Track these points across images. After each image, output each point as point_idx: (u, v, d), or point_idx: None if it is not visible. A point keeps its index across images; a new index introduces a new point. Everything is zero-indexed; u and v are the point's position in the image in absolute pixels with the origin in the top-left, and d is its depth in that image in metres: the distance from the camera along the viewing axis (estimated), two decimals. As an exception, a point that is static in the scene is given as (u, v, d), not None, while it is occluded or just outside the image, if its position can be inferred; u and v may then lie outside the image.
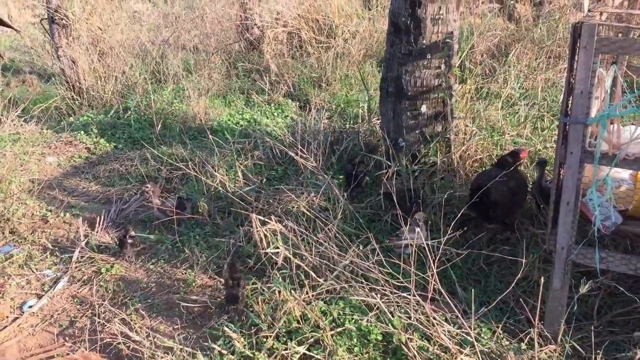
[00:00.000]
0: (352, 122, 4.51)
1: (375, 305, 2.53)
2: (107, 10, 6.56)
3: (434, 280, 2.38)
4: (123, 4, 8.33)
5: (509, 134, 3.92)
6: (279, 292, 2.61)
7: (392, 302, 2.50)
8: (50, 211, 3.87)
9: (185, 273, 3.20)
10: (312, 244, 2.82)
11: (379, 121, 4.10)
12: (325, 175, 3.60)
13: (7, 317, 3.06)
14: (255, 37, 6.55)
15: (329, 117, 4.58)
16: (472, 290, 2.47)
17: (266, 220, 2.82)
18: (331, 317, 2.60)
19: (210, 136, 4.07)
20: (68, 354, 2.51)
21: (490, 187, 2.93)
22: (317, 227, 2.95)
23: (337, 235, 2.91)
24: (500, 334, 2.50)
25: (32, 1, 11.44)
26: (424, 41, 3.50)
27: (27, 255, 3.45)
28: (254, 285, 2.89)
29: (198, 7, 8.19)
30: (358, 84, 5.40)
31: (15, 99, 5.59)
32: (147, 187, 3.66)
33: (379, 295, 2.48)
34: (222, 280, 3.01)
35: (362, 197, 3.61)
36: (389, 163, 3.53)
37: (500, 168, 3.10)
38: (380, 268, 2.60)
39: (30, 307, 3.10)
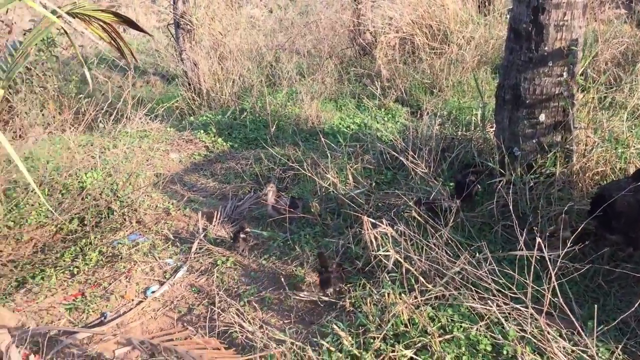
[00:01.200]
0: (464, 129, 4.44)
1: (486, 314, 2.50)
2: (227, 15, 6.87)
3: (552, 294, 2.31)
4: (242, 10, 8.71)
5: (634, 147, 3.71)
6: (388, 294, 2.64)
7: (505, 312, 2.45)
8: (172, 204, 4.12)
9: (296, 270, 3.30)
10: (423, 249, 2.83)
11: (492, 129, 4.02)
12: (435, 182, 3.59)
13: (132, 300, 3.31)
14: (368, 43, 6.61)
15: (441, 124, 4.54)
16: (590, 307, 2.38)
17: (377, 222, 2.86)
18: (439, 324, 2.59)
19: (322, 139, 4.17)
20: (189, 338, 2.67)
21: (616, 197, 2.80)
22: (428, 232, 2.94)
23: (448, 242, 2.89)
24: (619, 356, 2.39)
25: (157, 7, 12.23)
26: (546, 48, 3.39)
27: (151, 244, 3.71)
28: (362, 290, 2.93)
29: (312, 12, 8.40)
30: (471, 91, 5.32)
31: (142, 98, 6.01)
32: (271, 187, 3.80)
33: (494, 305, 2.44)
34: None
35: (473, 205, 3.56)
36: (502, 172, 3.46)
37: (635, 180, 2.95)
38: (492, 277, 2.55)
39: (153, 292, 3.33)
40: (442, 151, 4.08)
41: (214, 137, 5.25)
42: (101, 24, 3.25)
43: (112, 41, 3.37)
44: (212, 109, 6.15)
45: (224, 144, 5.14)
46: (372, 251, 2.80)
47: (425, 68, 5.80)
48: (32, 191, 4.12)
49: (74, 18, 2.98)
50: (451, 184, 3.78)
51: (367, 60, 6.45)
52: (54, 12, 2.37)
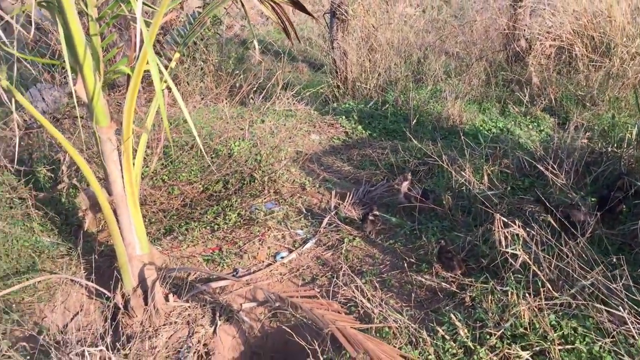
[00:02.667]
0: (615, 145, 4.22)
1: (614, 331, 2.41)
2: (381, 10, 6.99)
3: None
4: (396, 6, 8.80)
5: None
6: (511, 293, 2.62)
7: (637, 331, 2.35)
8: (309, 181, 4.33)
9: (419, 258, 3.35)
10: (554, 255, 2.77)
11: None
12: (575, 194, 3.47)
13: (262, 261, 3.55)
14: (522, 49, 6.43)
15: (589, 138, 4.34)
16: None
17: (509, 222, 2.85)
18: (561, 332, 2.53)
19: (462, 137, 4.16)
20: (315, 297, 2.82)
21: None
22: (562, 240, 2.87)
23: (582, 253, 2.80)
24: None
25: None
26: None
27: (285, 214, 3.93)
28: (484, 285, 2.93)
29: (466, 15, 8.31)
30: (629, 108, 5.02)
31: (290, 81, 6.31)
32: (406, 176, 3.88)
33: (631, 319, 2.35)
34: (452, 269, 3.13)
35: (615, 223, 3.39)
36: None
37: None
38: (627, 293, 2.45)
39: (282, 258, 3.55)
40: (587, 165, 3.92)
41: (355, 124, 5.40)
42: (272, 3, 3.46)
43: (280, 21, 3.57)
44: (356, 98, 6.32)
45: (363, 131, 5.28)
46: (501, 249, 2.79)
47: (581, 79, 5.55)
48: (186, 151, 4.52)
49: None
50: (593, 198, 3.63)
51: (518, 66, 6.28)
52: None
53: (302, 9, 3.61)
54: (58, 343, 2.77)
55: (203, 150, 2.95)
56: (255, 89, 5.99)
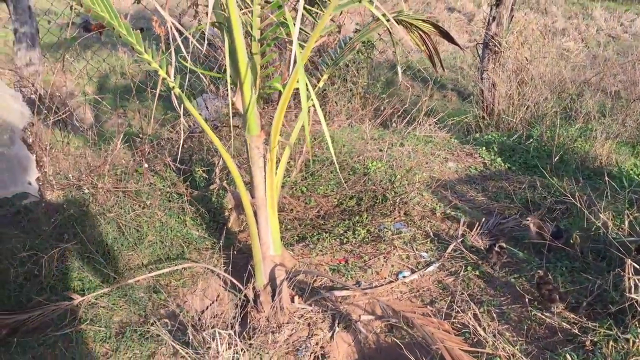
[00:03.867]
0: None
1: None
2: (538, 43, 6.86)
3: None
4: (555, 39, 8.57)
5: None
6: (633, 342, 2.53)
7: None
8: (439, 206, 4.39)
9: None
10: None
11: None
12: None
13: (385, 278, 3.68)
14: (689, 92, 6.00)
15: None
16: None
17: (641, 269, 2.74)
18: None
19: (607, 179, 4.01)
20: (428, 315, 2.90)
21: None
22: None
23: None
24: None
25: (472, 27, 12.64)
26: None
27: (412, 236, 4.04)
28: (608, 330, 2.83)
29: (633, 52, 7.87)
30: None
31: (435, 108, 6.40)
32: (535, 218, 3.83)
33: None
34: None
35: None
36: None
37: None
38: None
39: (404, 277, 3.66)
40: None
41: (494, 156, 5.37)
42: (420, 33, 3.62)
43: (427, 50, 3.72)
44: (499, 130, 6.26)
45: (502, 164, 5.23)
46: (628, 295, 2.69)
47: None
48: (325, 166, 4.79)
49: (398, 24, 3.41)
50: None
51: (682, 111, 5.85)
52: (383, 15, 2.79)
53: (450, 39, 3.73)
54: (195, 323, 3.12)
55: (337, 167, 3.17)
56: (399, 113, 6.17)
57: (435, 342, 2.48)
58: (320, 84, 3.46)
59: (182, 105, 2.95)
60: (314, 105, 2.85)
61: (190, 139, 5.28)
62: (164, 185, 4.45)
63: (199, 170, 4.72)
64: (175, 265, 3.62)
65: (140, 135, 5.03)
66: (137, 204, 4.06)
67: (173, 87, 2.91)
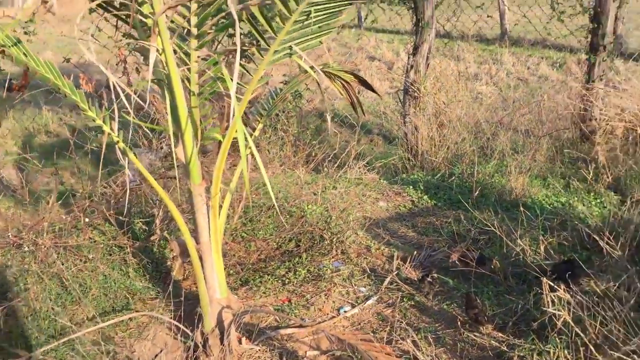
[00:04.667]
0: (675, 223, 4.32)
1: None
2: (453, 88, 7.39)
3: None
4: (469, 84, 9.20)
5: None
6: (553, 353, 2.81)
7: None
8: (374, 244, 4.65)
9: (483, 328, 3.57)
10: (598, 320, 2.94)
11: None
12: (629, 266, 3.61)
13: (327, 314, 3.86)
14: (590, 129, 6.61)
15: (650, 214, 4.46)
16: None
17: (555, 287, 3.06)
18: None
19: (523, 208, 4.40)
20: (370, 341, 3.09)
21: None
22: (606, 309, 3.04)
23: (627, 320, 2.96)
24: None
25: (392, 75, 13.29)
26: None
27: (350, 273, 4.25)
28: (532, 345, 3.12)
29: (537, 94, 8.57)
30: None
31: (363, 152, 6.74)
32: (459, 248, 4.17)
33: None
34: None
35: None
36: None
37: None
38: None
39: (345, 312, 3.85)
40: (645, 239, 4.04)
41: (421, 194, 5.72)
42: (343, 82, 3.92)
43: (349, 97, 4.02)
44: (424, 170, 6.65)
45: (429, 201, 5.58)
46: (546, 310, 3.00)
47: (646, 160, 5.67)
48: (263, 211, 4.97)
49: (325, 75, 3.70)
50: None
51: (585, 146, 6.45)
52: (311, 67, 3.07)
53: (369, 87, 4.04)
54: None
55: (277, 210, 3.37)
56: (330, 158, 6.45)
57: (379, 366, 2.68)
58: (257, 133, 3.68)
59: (127, 159, 3.09)
60: (251, 154, 3.06)
61: (129, 192, 5.34)
62: (104, 240, 4.49)
63: (138, 223, 4.78)
64: (121, 316, 3.66)
65: (77, 192, 5.06)
66: (79, 258, 4.09)
67: (117, 142, 3.05)
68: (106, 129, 3.01)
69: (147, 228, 4.79)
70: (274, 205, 4.97)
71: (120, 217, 4.62)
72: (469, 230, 4.74)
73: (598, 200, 5.24)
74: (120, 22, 3.51)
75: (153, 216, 4.81)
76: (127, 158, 3.10)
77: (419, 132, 7.01)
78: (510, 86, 10.36)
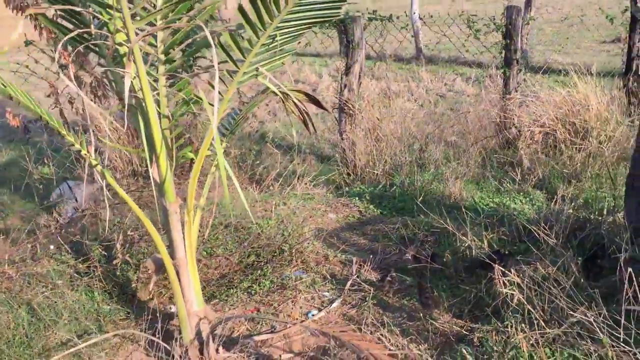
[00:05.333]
0: (597, 213, 4.85)
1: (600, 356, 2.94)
2: (383, 104, 7.83)
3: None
4: (393, 102, 9.67)
5: None
6: (510, 327, 3.17)
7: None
8: (331, 252, 4.92)
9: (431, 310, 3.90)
10: (545, 298, 3.33)
11: (622, 214, 4.42)
12: (564, 252, 4.06)
13: (296, 319, 4.08)
14: (512, 136, 7.20)
15: (574, 208, 4.97)
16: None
17: (506, 271, 3.43)
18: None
19: (464, 209, 4.80)
20: (351, 331, 3.34)
21: None
22: (550, 287, 3.43)
23: (570, 295, 3.36)
24: None
25: (318, 96, 13.69)
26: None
27: (312, 280, 4.49)
28: (489, 327, 3.47)
29: (460, 108, 9.19)
30: (608, 183, 5.68)
31: (303, 171, 7.00)
32: (412, 247, 4.51)
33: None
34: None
35: (598, 277, 3.96)
36: (627, 248, 3.85)
37: None
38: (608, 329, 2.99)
39: (313, 315, 4.08)
40: (573, 230, 4.52)
41: (367, 204, 6.06)
42: (295, 101, 4.19)
43: (301, 115, 4.29)
44: (365, 183, 7.00)
45: (375, 210, 5.92)
46: (501, 293, 3.36)
47: (565, 160, 6.27)
48: (220, 230, 5.13)
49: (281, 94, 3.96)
50: (579, 258, 4.20)
51: (510, 150, 7.02)
52: (277, 87, 3.33)
53: (319, 104, 4.33)
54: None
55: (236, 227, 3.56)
56: (273, 177, 6.69)
57: (362, 351, 2.93)
58: (221, 151, 3.87)
59: (105, 180, 3.22)
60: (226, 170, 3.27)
61: (81, 220, 5.36)
62: (64, 268, 4.51)
63: (97, 249, 4.82)
64: (97, 337, 3.72)
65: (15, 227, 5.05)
66: (45, 285, 4.11)
67: (95, 165, 3.17)
68: (84, 151, 3.13)
69: (106, 253, 4.83)
70: (230, 222, 5.15)
71: (78, 244, 4.66)
72: (416, 234, 5.09)
73: (527, 199, 5.75)
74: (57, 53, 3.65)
75: (110, 241, 4.87)
76: (105, 179, 3.22)
77: (356, 147, 7.37)
78: (431, 102, 10.95)
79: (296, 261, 4.72)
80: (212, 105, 3.09)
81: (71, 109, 6.12)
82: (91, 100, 5.97)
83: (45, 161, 6.71)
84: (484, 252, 4.35)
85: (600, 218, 4.75)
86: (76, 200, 6.38)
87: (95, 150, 3.21)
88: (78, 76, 6.04)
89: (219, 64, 2.74)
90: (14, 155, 8.68)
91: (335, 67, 12.48)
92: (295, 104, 4.27)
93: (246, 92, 7.83)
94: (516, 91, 7.56)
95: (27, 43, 6.36)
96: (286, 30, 3.18)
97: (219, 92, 3.76)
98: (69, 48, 4.41)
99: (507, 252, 4.33)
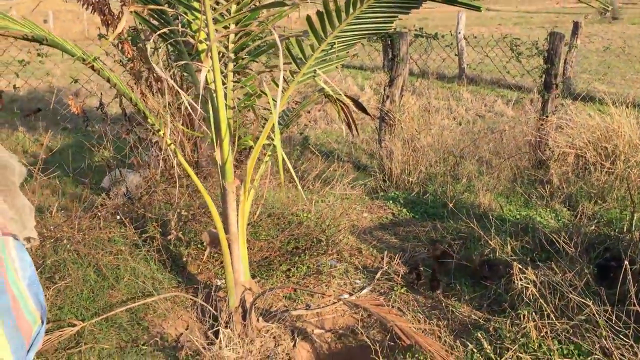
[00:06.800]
0: (617, 231, 5.15)
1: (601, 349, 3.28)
2: (424, 118, 8.22)
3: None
4: (432, 117, 10.03)
5: None
6: (523, 316, 3.53)
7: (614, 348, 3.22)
8: (363, 246, 5.33)
9: (454, 302, 4.27)
10: (557, 296, 3.68)
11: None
12: (581, 260, 4.39)
13: (329, 298, 4.50)
14: (546, 156, 7.51)
15: (597, 225, 5.29)
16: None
17: (523, 269, 3.80)
18: (562, 353, 3.41)
19: (491, 218, 5.15)
20: (381, 305, 3.74)
21: None
22: (563, 285, 3.78)
23: (582, 292, 3.70)
24: None
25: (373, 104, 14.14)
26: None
27: (345, 269, 4.91)
28: (505, 319, 3.83)
29: (497, 128, 9.51)
30: (633, 204, 5.96)
31: (343, 174, 7.43)
32: (438, 245, 4.90)
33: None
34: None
35: (610, 285, 4.27)
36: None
37: None
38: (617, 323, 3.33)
39: (345, 297, 4.50)
40: (593, 244, 4.84)
41: (400, 207, 6.45)
42: (342, 105, 4.62)
43: (346, 118, 4.71)
44: (400, 190, 7.39)
45: (408, 214, 6.31)
46: (515, 289, 3.73)
47: (594, 181, 6.56)
48: (264, 218, 5.60)
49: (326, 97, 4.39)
50: (595, 268, 4.53)
51: (541, 170, 7.33)
52: (331, 88, 3.78)
53: (364, 110, 4.75)
54: (176, 342, 3.74)
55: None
56: (314, 177, 7.14)
57: (389, 322, 3.33)
58: (279, 139, 4.34)
59: (176, 158, 3.70)
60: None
61: (139, 200, 5.89)
62: (126, 235, 5.03)
63: (153, 225, 5.32)
64: (152, 297, 4.21)
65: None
66: (110, 250, 4.62)
67: (170, 144, 3.67)
68: (162, 132, 3.62)
69: (161, 230, 5.33)
70: (273, 212, 5.60)
71: (136, 220, 5.17)
72: (444, 237, 5.46)
73: (553, 214, 6.06)
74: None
75: (168, 221, 5.37)
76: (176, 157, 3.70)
77: (393, 156, 7.78)
78: (470, 121, 11.30)
79: (331, 251, 5.14)
80: (275, 100, 3.56)
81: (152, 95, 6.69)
82: (146, 94, 6.56)
83: (107, 145, 7.30)
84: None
85: (620, 235, 5.06)
86: (127, 187, 6.91)
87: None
88: (140, 70, 6.64)
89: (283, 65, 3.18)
90: (68, 142, 9.35)
91: (377, 81, 12.94)
92: (342, 107, 4.72)
93: (294, 96, 8.34)
94: (553, 114, 7.87)
95: (100, 36, 6.97)
96: (343, 39, 3.63)
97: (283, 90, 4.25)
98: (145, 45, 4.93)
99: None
